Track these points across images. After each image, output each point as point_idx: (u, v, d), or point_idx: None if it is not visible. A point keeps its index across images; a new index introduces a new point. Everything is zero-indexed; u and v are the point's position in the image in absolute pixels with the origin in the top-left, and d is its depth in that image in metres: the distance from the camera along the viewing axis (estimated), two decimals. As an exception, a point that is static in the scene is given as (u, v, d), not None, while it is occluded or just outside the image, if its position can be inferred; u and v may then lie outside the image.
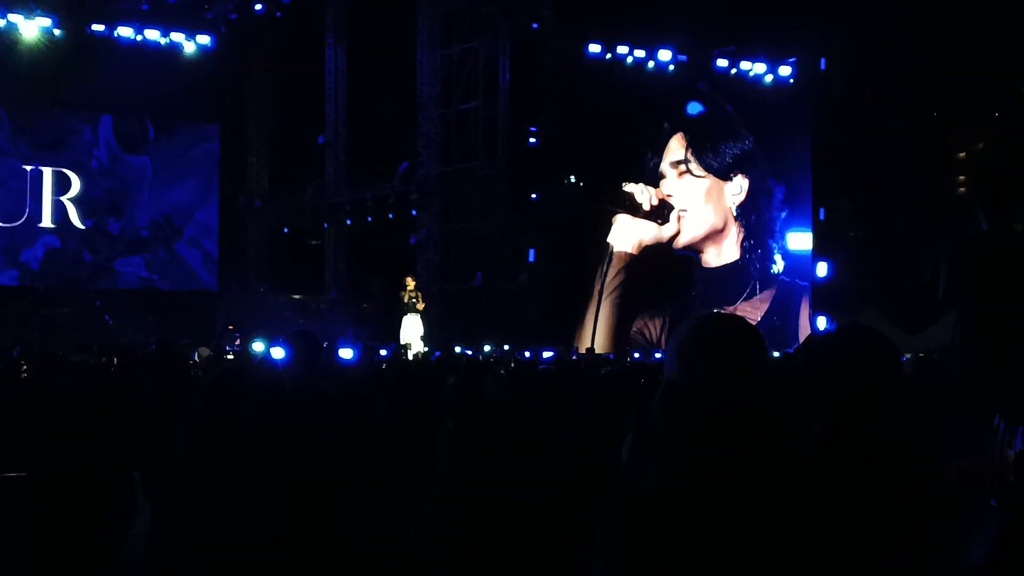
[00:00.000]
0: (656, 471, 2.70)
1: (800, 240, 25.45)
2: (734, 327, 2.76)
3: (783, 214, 25.16)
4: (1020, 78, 25.59)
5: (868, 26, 24.62)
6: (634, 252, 23.44)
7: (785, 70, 25.64)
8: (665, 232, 23.69)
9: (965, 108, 25.39)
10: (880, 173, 26.06)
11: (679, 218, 23.81)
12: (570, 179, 23.73)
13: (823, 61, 25.21)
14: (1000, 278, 6.77)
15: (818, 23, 24.17)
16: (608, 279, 23.39)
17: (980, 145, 25.84)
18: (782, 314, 24.87)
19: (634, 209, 23.38)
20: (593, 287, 23.35)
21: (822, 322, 24.99)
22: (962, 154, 26.74)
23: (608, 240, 23.40)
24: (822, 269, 25.40)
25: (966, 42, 24.09)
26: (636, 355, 19.32)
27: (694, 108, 24.47)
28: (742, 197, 24.52)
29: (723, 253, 24.53)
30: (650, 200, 23.49)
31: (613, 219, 23.42)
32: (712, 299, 24.30)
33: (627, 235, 23.45)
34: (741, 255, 24.67)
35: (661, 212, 23.63)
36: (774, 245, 25.13)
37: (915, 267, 23.90)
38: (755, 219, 24.77)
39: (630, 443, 3.39)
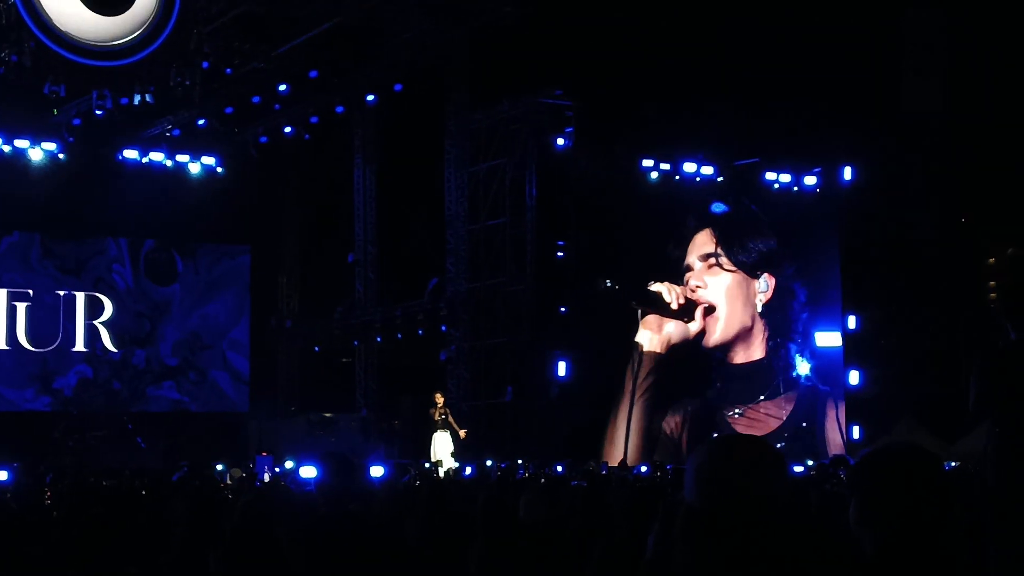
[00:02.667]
0: None
1: (828, 339, 25.27)
2: (753, 452, 2.75)
3: (804, 315, 25.05)
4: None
5: (895, 135, 24.80)
6: (662, 351, 23.39)
7: (811, 180, 25.77)
8: (692, 329, 23.65)
9: (994, 214, 25.43)
10: (911, 280, 26.05)
11: (704, 314, 23.75)
12: (606, 283, 23.80)
13: (851, 170, 25.33)
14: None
15: (845, 132, 24.37)
16: (639, 379, 23.30)
17: (1009, 251, 25.82)
18: (809, 418, 24.64)
19: (662, 308, 23.36)
20: (624, 388, 23.25)
21: (856, 432, 24.79)
22: (991, 260, 26.71)
23: (637, 340, 23.36)
24: (854, 377, 25.24)
25: (993, 148, 24.22)
26: (668, 467, 19.14)
27: (719, 207, 24.62)
28: (768, 295, 24.48)
29: (749, 350, 24.41)
30: (677, 299, 23.50)
31: (641, 320, 23.39)
32: (735, 396, 24.14)
33: (655, 334, 23.42)
34: (766, 353, 24.53)
35: (688, 310, 23.61)
36: (795, 348, 24.97)
37: (948, 375, 23.74)
38: (780, 318, 24.68)
39: (656, 534, 3.38)
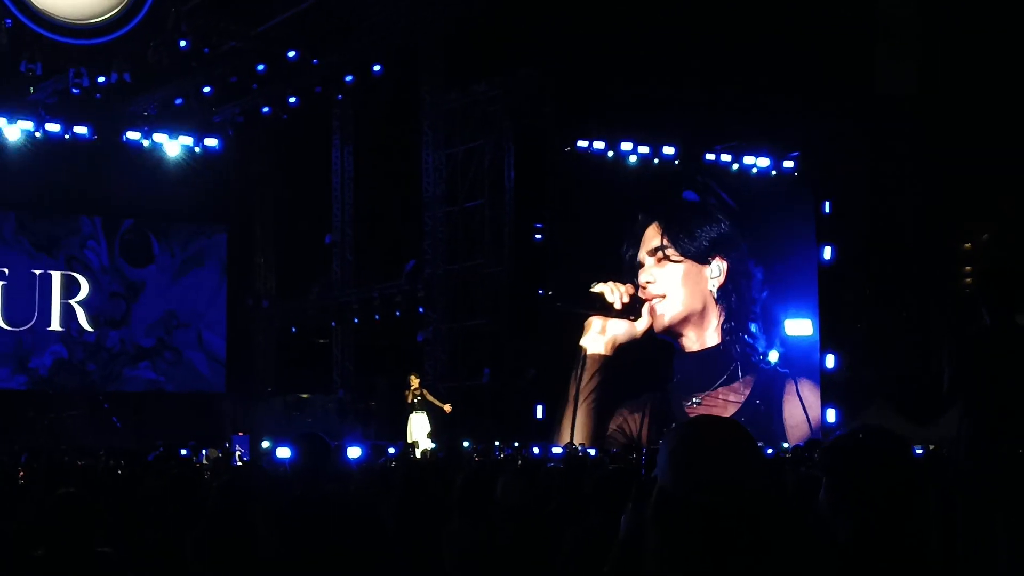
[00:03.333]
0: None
1: (797, 327, 25.27)
2: (726, 434, 2.74)
3: (764, 294, 24.99)
4: (1022, 168, 25.74)
5: (872, 119, 24.86)
6: (608, 353, 23.31)
7: (788, 163, 25.81)
8: (639, 327, 23.57)
9: (971, 199, 25.53)
10: (886, 264, 26.15)
11: (652, 309, 23.68)
12: (547, 292, 23.66)
13: (826, 152, 25.39)
14: (1002, 372, 6.80)
15: (822, 116, 24.40)
16: (583, 383, 23.19)
17: (985, 236, 25.95)
18: (766, 400, 24.59)
19: (605, 309, 23.30)
20: (568, 393, 23.19)
21: (832, 415, 24.90)
22: (968, 245, 26.84)
23: (581, 343, 23.30)
24: (830, 361, 25.32)
25: (971, 132, 24.30)
26: (643, 449, 19.13)
27: (689, 196, 24.63)
28: (721, 279, 24.39)
29: (703, 337, 24.34)
30: (621, 298, 23.42)
31: (586, 323, 23.34)
32: (692, 385, 24.07)
33: (600, 336, 23.35)
34: (722, 338, 24.48)
35: (634, 308, 23.53)
36: (758, 327, 24.92)
37: (923, 359, 23.87)
38: (735, 300, 24.62)
39: (628, 515, 3.40)
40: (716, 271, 24.32)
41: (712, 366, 24.33)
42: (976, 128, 24.14)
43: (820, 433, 23.47)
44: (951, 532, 6.98)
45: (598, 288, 23.32)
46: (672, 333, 24.08)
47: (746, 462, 2.70)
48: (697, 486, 2.66)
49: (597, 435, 22.94)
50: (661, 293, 23.80)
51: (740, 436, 2.74)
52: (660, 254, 23.91)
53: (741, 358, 24.57)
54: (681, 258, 24.03)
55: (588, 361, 23.15)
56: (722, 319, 24.43)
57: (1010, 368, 6.76)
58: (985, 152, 24.25)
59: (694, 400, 23.92)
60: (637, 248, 23.91)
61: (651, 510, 2.71)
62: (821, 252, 25.47)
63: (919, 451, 14.75)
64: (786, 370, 24.90)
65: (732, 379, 24.37)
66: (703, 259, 24.21)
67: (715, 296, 24.35)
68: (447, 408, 22.85)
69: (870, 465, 3.21)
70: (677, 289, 23.99)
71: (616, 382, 23.34)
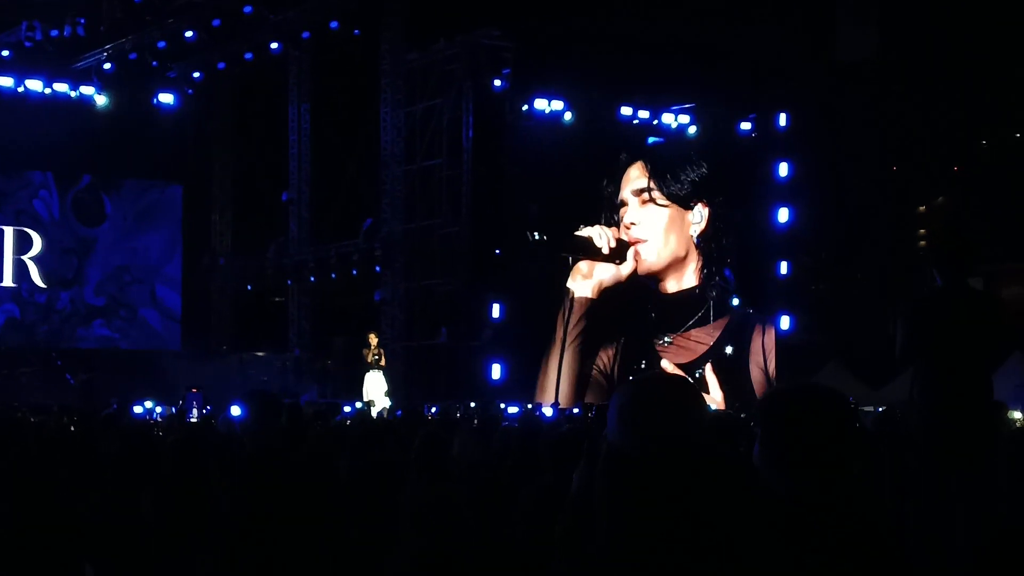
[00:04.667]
0: (600, 534, 2.70)
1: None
2: (673, 393, 2.76)
3: (739, 242, 25.04)
4: (980, 133, 25.95)
5: (830, 82, 24.94)
6: (594, 296, 23.35)
7: (745, 125, 25.87)
8: (624, 271, 23.61)
9: (926, 162, 25.70)
10: (843, 227, 26.30)
11: (636, 253, 23.72)
12: (534, 235, 23.66)
13: (785, 116, 25.45)
14: (954, 334, 6.85)
15: (780, 79, 24.45)
16: (571, 326, 23.28)
17: (940, 199, 26.15)
18: (736, 343, 24.68)
19: (593, 254, 23.31)
20: (555, 334, 23.27)
21: (785, 376, 25.06)
22: (922, 208, 27.02)
23: (568, 286, 23.33)
24: (785, 323, 25.47)
25: (928, 97, 24.43)
26: (593, 408, 19.17)
27: (653, 139, 24.66)
28: (703, 226, 24.39)
29: (681, 280, 24.42)
30: (608, 242, 23.43)
31: (573, 266, 23.36)
32: (666, 325, 24.14)
33: (587, 279, 23.39)
34: (700, 282, 24.55)
35: (620, 252, 23.56)
36: (730, 273, 24.99)
37: (879, 321, 24.05)
38: (715, 248, 24.68)
39: (580, 472, 3.41)
40: (698, 216, 24.30)
41: (686, 307, 24.33)
42: (934, 93, 24.28)
43: (764, 377, 23.73)
44: (903, 493, 7.06)
45: (586, 231, 23.31)
46: (653, 276, 24.11)
47: (691, 418, 2.72)
48: (644, 442, 2.68)
49: (581, 379, 23.07)
50: (645, 237, 23.82)
51: (686, 393, 2.76)
52: (646, 195, 23.88)
53: (715, 300, 24.63)
54: (667, 202, 24.02)
55: (575, 304, 23.19)
56: (700, 264, 24.47)
57: (961, 330, 6.82)
58: (942, 117, 24.40)
59: (665, 339, 23.99)
60: (618, 186, 23.91)
61: (600, 466, 2.73)
62: (776, 214, 25.58)
63: (870, 411, 14.87)
64: (755, 311, 24.99)
65: (704, 321, 24.43)
66: (687, 204, 24.19)
67: (696, 242, 24.38)
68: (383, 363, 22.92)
69: (803, 419, 3.20)
70: (661, 235, 23.97)
71: (601, 325, 23.42)
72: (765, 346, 24.73)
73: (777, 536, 2.90)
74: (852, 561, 3.01)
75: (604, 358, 23.69)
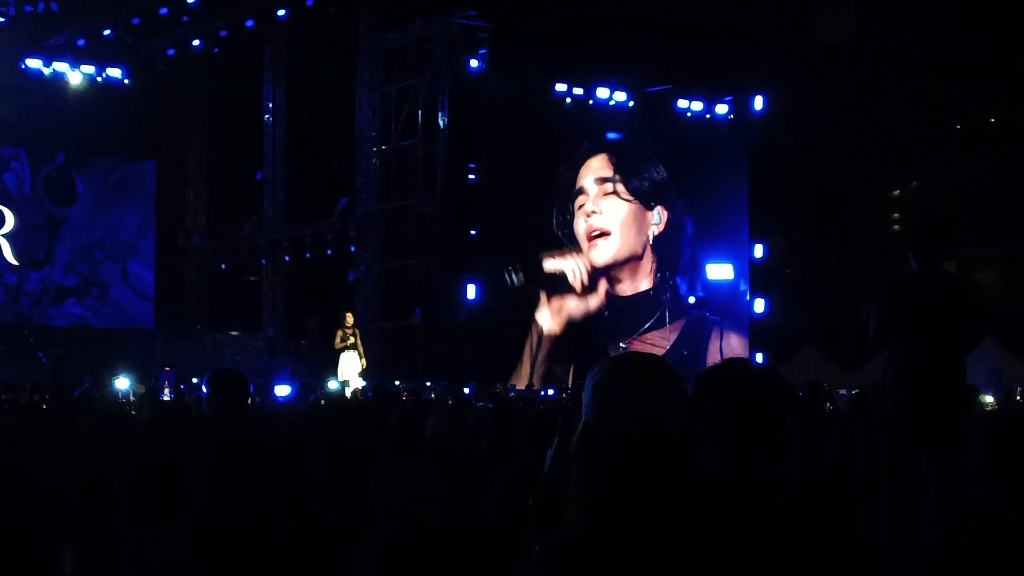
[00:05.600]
0: (574, 512, 2.71)
1: (719, 271, 25.49)
2: (649, 371, 2.76)
3: (689, 250, 25.20)
4: (954, 118, 26.04)
5: (807, 65, 24.97)
6: (560, 331, 23.62)
7: (722, 108, 25.90)
8: (592, 304, 23.84)
9: (900, 147, 25.79)
10: (817, 210, 26.38)
11: (592, 245, 23.88)
12: (512, 275, 23.63)
13: (761, 99, 25.50)
14: (928, 317, 6.87)
15: (757, 62, 24.48)
16: (538, 359, 23.57)
17: (914, 184, 26.24)
18: (692, 346, 24.83)
19: (567, 289, 23.52)
20: (522, 359, 23.45)
21: (760, 359, 25.17)
22: (896, 192, 27.12)
23: (537, 319, 23.50)
24: (759, 305, 25.55)
25: (903, 83, 24.49)
26: (568, 387, 19.30)
27: (612, 135, 24.70)
28: (661, 227, 24.58)
29: (636, 282, 24.53)
30: (581, 278, 23.57)
31: (544, 298, 23.51)
32: (620, 329, 24.24)
33: (556, 315, 23.65)
34: (654, 284, 24.67)
35: (592, 285, 23.76)
36: (682, 281, 25.13)
37: (853, 304, 24.13)
38: (669, 251, 24.83)
39: (554, 450, 3.42)
40: (657, 218, 24.48)
41: (641, 311, 24.51)
42: (909, 77, 24.34)
43: None
44: (874, 475, 7.08)
45: (555, 265, 23.39)
46: (609, 272, 24.19)
47: (666, 398, 2.72)
48: (619, 421, 2.69)
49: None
50: (606, 229, 23.91)
51: (661, 372, 2.76)
52: (610, 186, 23.98)
53: (670, 304, 24.75)
54: (631, 197, 24.13)
55: (544, 339, 23.58)
56: (654, 266, 24.59)
57: (935, 313, 6.84)
58: (917, 101, 24.47)
59: (620, 345, 24.06)
60: (576, 171, 23.94)
61: (575, 444, 2.74)
62: (749, 199, 25.67)
63: (844, 393, 14.94)
64: (716, 318, 25.13)
65: (660, 324, 24.55)
66: (648, 203, 24.32)
67: (651, 243, 24.48)
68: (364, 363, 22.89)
69: (730, 394, 3.23)
70: (621, 229, 24.12)
71: (565, 349, 23.63)
72: (723, 351, 24.86)
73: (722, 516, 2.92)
74: (771, 535, 3.02)
75: (559, 368, 23.80)
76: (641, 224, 24.35)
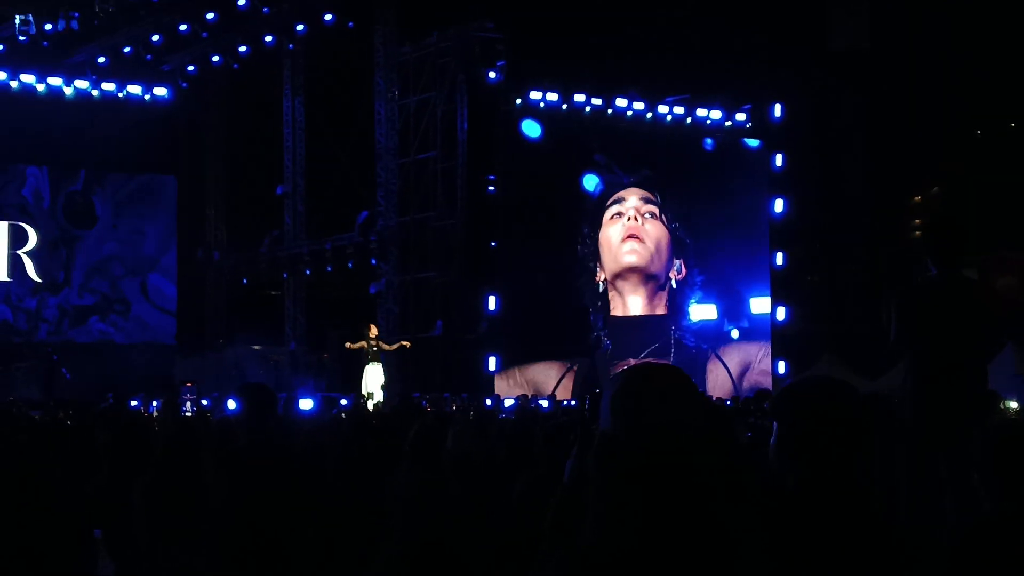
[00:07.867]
0: (592, 520, 2.71)
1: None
2: (667, 380, 2.77)
3: (694, 298, 25.29)
4: (974, 123, 25.95)
5: (824, 73, 24.93)
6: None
7: (741, 116, 25.86)
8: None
9: (919, 152, 25.68)
10: (837, 217, 26.31)
11: (638, 240, 24.15)
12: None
13: (779, 107, 25.48)
14: (947, 323, 6.86)
15: (773, 71, 24.44)
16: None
17: (934, 189, 26.13)
18: (690, 372, 24.71)
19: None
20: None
21: (781, 367, 25.13)
22: (917, 198, 27.01)
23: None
24: (781, 314, 25.51)
25: (921, 87, 24.42)
26: (587, 397, 19.27)
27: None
28: (679, 277, 24.96)
29: (645, 305, 24.62)
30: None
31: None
32: (621, 351, 24.23)
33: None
34: (662, 309, 24.80)
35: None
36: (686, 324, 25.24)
37: (873, 311, 24.03)
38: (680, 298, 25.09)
39: (573, 460, 3.42)
40: (679, 269, 24.77)
41: (644, 334, 24.54)
42: (926, 82, 24.27)
43: (733, 390, 24.01)
44: (892, 483, 7.06)
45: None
46: (622, 283, 24.23)
47: (686, 407, 2.73)
48: (639, 431, 2.69)
49: None
50: (643, 238, 24.16)
51: (680, 382, 2.77)
52: (654, 207, 24.24)
53: (673, 334, 24.82)
54: (666, 231, 24.41)
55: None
56: (666, 298, 24.77)
57: (955, 320, 6.83)
58: (935, 106, 24.40)
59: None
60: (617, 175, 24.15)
61: (594, 454, 2.74)
62: (772, 205, 25.62)
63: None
64: (707, 346, 25.22)
65: (663, 353, 24.51)
66: (677, 250, 24.59)
67: (670, 284, 24.74)
68: (406, 344, 22.95)
69: (817, 412, 3.23)
70: (656, 246, 24.47)
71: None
72: (727, 366, 25.01)
73: (778, 526, 2.92)
74: (855, 553, 3.03)
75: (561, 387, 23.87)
76: (667, 260, 24.60)
